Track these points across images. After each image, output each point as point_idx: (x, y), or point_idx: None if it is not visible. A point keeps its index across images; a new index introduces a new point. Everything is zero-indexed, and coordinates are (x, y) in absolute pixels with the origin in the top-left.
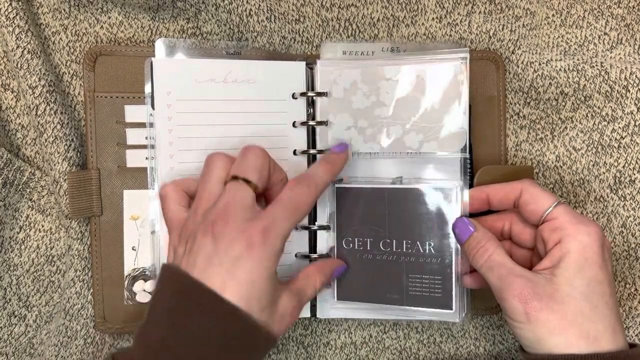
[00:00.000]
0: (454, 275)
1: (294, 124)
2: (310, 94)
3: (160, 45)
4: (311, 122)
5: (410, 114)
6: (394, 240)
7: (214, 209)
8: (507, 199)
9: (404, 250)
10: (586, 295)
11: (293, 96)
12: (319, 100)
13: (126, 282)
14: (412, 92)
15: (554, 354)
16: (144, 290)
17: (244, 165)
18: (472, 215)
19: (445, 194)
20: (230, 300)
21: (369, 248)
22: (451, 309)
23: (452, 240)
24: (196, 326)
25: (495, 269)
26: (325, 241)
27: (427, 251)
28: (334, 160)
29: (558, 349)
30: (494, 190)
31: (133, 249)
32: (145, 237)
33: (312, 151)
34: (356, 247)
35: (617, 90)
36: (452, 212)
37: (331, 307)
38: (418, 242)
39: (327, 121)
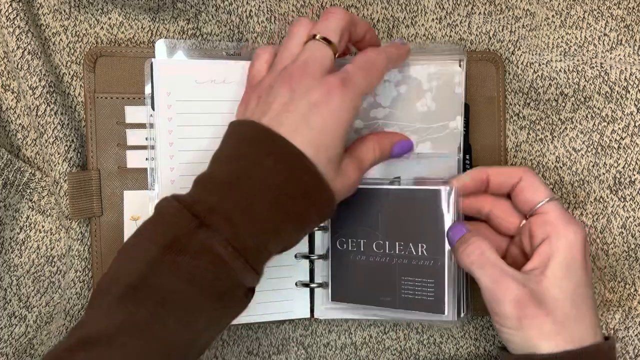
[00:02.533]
0: (446, 278)
1: None
2: None
3: (160, 46)
4: None
5: (406, 115)
6: (387, 242)
7: (293, 64)
8: (506, 183)
9: (397, 252)
10: (573, 299)
11: None
12: None
13: None
14: (408, 93)
15: (535, 353)
16: None
17: (325, 26)
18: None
19: (439, 196)
20: (299, 146)
21: (362, 249)
22: (443, 313)
23: (446, 242)
24: (259, 171)
25: (488, 267)
26: (322, 242)
27: (420, 253)
28: (398, 47)
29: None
30: (495, 172)
31: None
32: None
33: None
34: (350, 248)
35: (617, 91)
36: (446, 214)
37: (325, 308)
38: (411, 244)
39: None
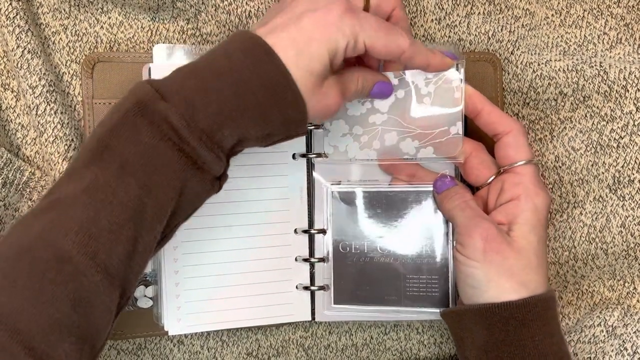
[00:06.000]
0: (450, 273)
1: None
2: None
3: (158, 51)
4: (310, 127)
5: (405, 120)
6: (391, 243)
7: None
8: (494, 127)
9: (401, 252)
10: (536, 251)
11: None
12: None
13: None
14: (406, 98)
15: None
16: (145, 296)
17: None
18: None
19: None
20: (280, 43)
21: (365, 251)
22: (448, 306)
23: (448, 240)
24: (226, 61)
25: (468, 210)
26: (323, 245)
27: (424, 252)
28: (437, 56)
29: (500, 294)
30: (488, 112)
31: None
32: None
33: (311, 155)
34: (353, 251)
35: (616, 90)
36: None
37: (327, 311)
38: (415, 244)
39: (323, 125)
